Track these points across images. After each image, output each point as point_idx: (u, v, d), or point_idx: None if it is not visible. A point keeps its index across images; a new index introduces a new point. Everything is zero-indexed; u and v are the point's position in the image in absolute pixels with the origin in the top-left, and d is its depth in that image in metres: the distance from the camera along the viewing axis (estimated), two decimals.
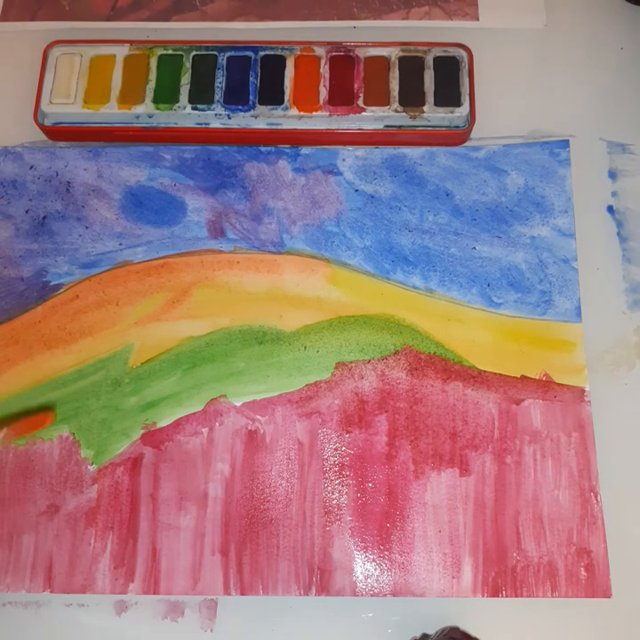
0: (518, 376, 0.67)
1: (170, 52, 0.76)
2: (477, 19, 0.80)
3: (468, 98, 0.74)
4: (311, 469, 0.65)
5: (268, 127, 0.74)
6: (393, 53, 0.76)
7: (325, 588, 0.62)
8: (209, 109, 0.74)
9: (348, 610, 0.63)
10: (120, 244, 0.72)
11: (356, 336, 0.68)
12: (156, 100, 0.75)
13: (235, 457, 0.66)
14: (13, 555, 0.64)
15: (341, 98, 0.74)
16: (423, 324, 0.69)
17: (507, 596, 0.62)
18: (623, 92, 0.78)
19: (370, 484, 0.65)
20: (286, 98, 0.74)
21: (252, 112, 0.74)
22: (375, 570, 0.63)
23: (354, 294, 0.70)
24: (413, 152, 0.74)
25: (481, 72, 0.77)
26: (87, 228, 0.72)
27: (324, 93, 0.74)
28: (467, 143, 0.75)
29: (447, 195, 0.72)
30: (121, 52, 0.76)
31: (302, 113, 0.74)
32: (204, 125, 0.75)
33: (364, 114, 0.74)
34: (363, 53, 0.76)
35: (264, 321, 0.69)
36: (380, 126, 0.74)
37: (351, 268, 0.70)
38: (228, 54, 0.76)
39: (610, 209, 0.73)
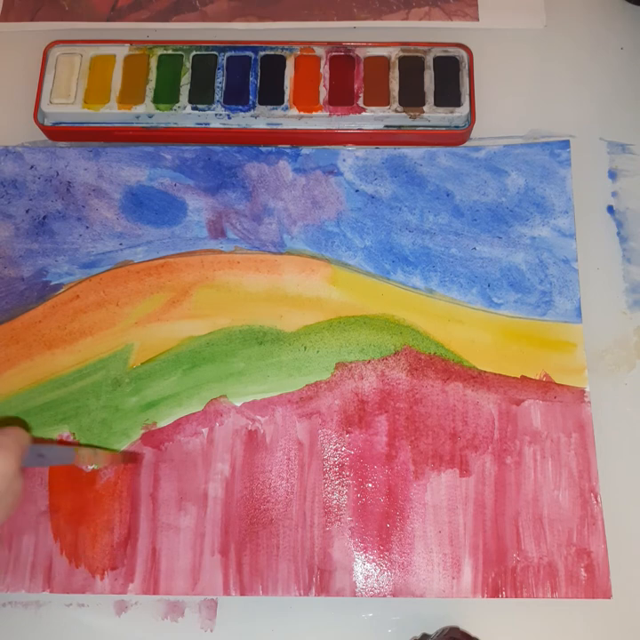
0: (518, 376, 0.67)
1: (170, 51, 0.76)
2: (477, 19, 0.80)
3: (468, 98, 0.74)
4: (311, 470, 0.65)
5: (268, 127, 0.74)
6: (393, 53, 0.76)
7: (325, 589, 0.62)
8: (209, 109, 0.74)
9: (348, 610, 0.63)
10: (120, 244, 0.72)
11: (356, 336, 0.68)
12: (155, 100, 0.75)
13: (235, 457, 0.66)
14: (13, 555, 0.64)
15: (341, 98, 0.74)
16: (423, 325, 0.69)
17: (507, 597, 0.62)
18: (623, 92, 0.78)
19: (370, 485, 0.65)
20: (286, 98, 0.74)
21: (251, 112, 0.74)
22: (375, 570, 0.63)
23: (354, 294, 0.70)
24: (414, 152, 0.74)
25: (481, 72, 0.77)
26: (87, 227, 0.72)
27: (323, 93, 0.74)
28: (467, 143, 0.75)
29: (447, 195, 0.72)
30: (121, 51, 0.76)
31: (302, 113, 0.74)
32: (203, 125, 0.75)
33: (364, 114, 0.74)
34: (363, 53, 0.76)
35: (264, 321, 0.69)
36: (380, 126, 0.74)
37: (351, 268, 0.70)
38: (228, 54, 0.76)
39: (610, 209, 0.73)
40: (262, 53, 0.76)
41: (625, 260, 0.72)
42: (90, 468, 0.65)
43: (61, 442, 0.66)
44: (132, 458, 0.66)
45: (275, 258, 0.71)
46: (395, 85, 0.75)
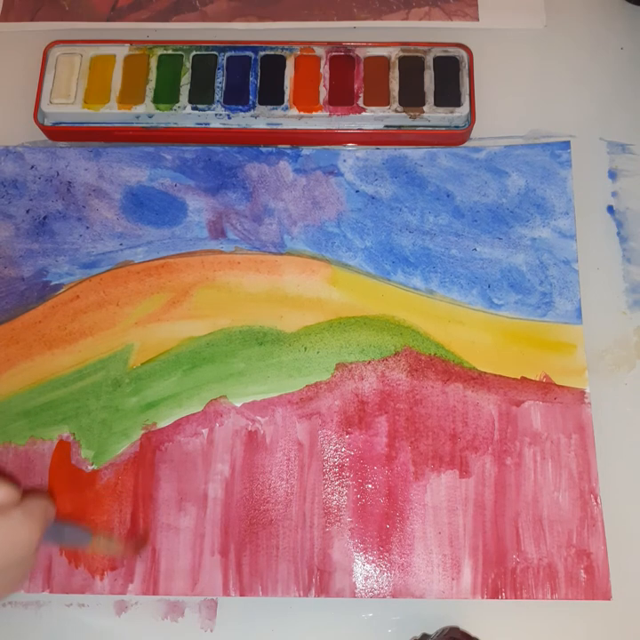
0: (518, 378, 0.67)
1: (170, 51, 0.76)
2: (477, 19, 0.80)
3: (468, 98, 0.74)
4: (311, 470, 0.65)
5: (268, 127, 0.74)
6: (393, 53, 0.76)
7: (325, 590, 0.62)
8: (209, 109, 0.74)
9: (348, 610, 0.63)
10: (121, 245, 0.72)
11: (356, 337, 0.68)
12: (155, 100, 0.75)
13: (235, 458, 0.66)
14: None
15: (341, 98, 0.74)
16: (423, 326, 0.69)
17: (506, 598, 0.62)
18: (623, 92, 0.78)
19: (370, 486, 0.65)
20: (286, 98, 0.74)
21: (251, 112, 0.74)
22: (375, 571, 0.63)
23: (354, 295, 0.70)
24: (414, 153, 0.74)
25: (481, 72, 0.77)
26: (88, 228, 0.72)
27: (323, 93, 0.74)
28: (467, 143, 0.75)
29: (448, 196, 0.72)
30: (121, 51, 0.76)
31: (302, 113, 0.74)
32: (204, 125, 0.75)
33: (364, 114, 0.74)
34: (363, 53, 0.76)
35: (264, 322, 0.69)
36: (380, 126, 0.74)
37: (352, 268, 0.70)
38: (228, 54, 0.76)
39: (610, 209, 0.73)
40: (262, 53, 0.76)
41: (625, 260, 0.72)
42: (102, 553, 0.64)
43: (81, 525, 0.65)
44: (142, 544, 0.65)
45: (275, 258, 0.71)
46: (395, 85, 0.75)
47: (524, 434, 0.66)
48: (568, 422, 0.66)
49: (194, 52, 0.76)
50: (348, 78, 0.75)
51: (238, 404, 0.67)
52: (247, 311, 0.70)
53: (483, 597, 0.62)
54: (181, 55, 0.76)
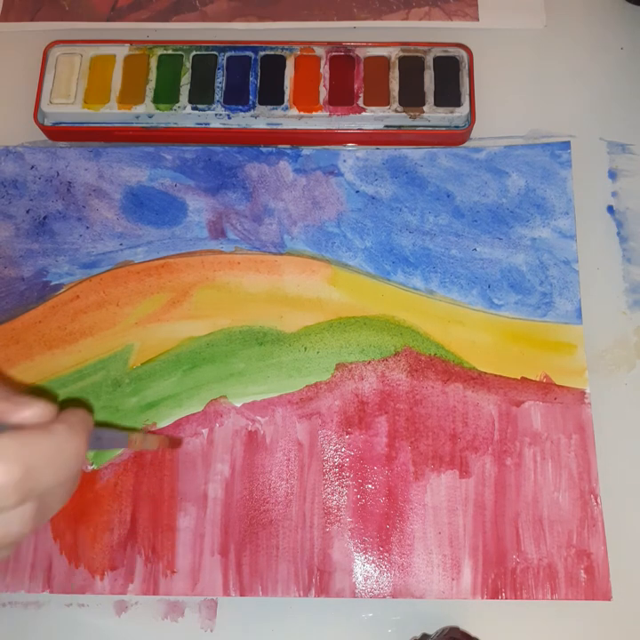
0: (518, 378, 0.67)
1: (170, 51, 0.76)
2: (477, 19, 0.80)
3: (468, 98, 0.74)
4: (311, 470, 0.65)
5: (268, 127, 0.74)
6: (393, 53, 0.76)
7: (325, 590, 0.62)
8: (209, 109, 0.74)
9: (348, 610, 0.63)
10: (121, 245, 0.72)
11: (356, 337, 0.68)
12: (155, 100, 0.75)
13: (234, 458, 0.66)
14: (13, 555, 0.64)
15: (341, 98, 0.74)
16: (423, 326, 0.69)
17: (506, 598, 0.62)
18: (623, 92, 0.78)
19: (370, 486, 0.65)
20: (286, 98, 0.74)
21: (251, 112, 0.74)
22: (375, 571, 0.63)
23: (354, 295, 0.70)
24: (414, 153, 0.74)
25: (481, 72, 0.77)
26: (88, 228, 0.72)
27: (323, 93, 0.74)
28: (467, 143, 0.75)
29: (448, 196, 0.72)
30: (121, 51, 0.76)
31: (302, 113, 0.74)
32: (204, 125, 0.75)
33: (364, 114, 0.74)
34: (363, 53, 0.76)
35: (264, 322, 0.69)
36: (380, 126, 0.74)
37: (352, 268, 0.70)
38: (228, 54, 0.76)
39: (610, 209, 0.73)
40: (262, 53, 0.76)
41: (625, 260, 0.72)
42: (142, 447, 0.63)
43: (117, 429, 0.66)
44: (176, 443, 0.66)
45: (275, 258, 0.71)
46: (395, 85, 0.75)
47: (524, 434, 0.65)
48: (568, 422, 0.66)
49: (194, 52, 0.76)
50: (348, 78, 0.75)
51: (238, 404, 0.67)
52: (247, 311, 0.70)
53: (483, 597, 0.62)
54: (181, 55, 0.76)
